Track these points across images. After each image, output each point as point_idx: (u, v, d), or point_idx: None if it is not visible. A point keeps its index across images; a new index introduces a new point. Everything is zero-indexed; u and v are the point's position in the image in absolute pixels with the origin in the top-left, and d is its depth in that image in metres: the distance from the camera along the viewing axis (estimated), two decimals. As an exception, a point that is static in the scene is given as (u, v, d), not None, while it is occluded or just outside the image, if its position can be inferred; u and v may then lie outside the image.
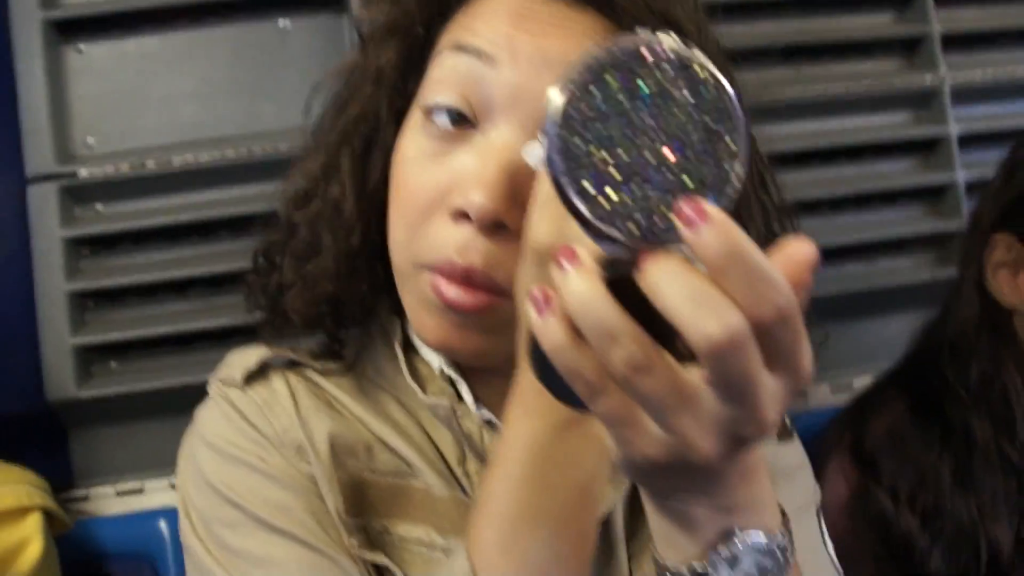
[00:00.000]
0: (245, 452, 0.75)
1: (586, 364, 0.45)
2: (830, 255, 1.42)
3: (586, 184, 0.44)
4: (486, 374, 0.77)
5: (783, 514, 0.55)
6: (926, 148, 1.49)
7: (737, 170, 0.45)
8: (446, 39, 0.74)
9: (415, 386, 0.78)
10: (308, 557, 0.70)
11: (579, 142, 0.44)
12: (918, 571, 1.10)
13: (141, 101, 1.35)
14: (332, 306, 0.79)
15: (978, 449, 1.10)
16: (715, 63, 0.71)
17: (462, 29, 0.72)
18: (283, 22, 1.37)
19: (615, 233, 0.44)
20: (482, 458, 0.76)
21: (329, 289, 0.78)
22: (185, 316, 1.33)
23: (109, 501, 1.31)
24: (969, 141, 1.48)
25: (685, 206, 0.41)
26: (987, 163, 1.45)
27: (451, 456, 0.77)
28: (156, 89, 1.35)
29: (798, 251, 0.43)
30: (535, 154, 0.64)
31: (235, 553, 0.72)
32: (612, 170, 0.44)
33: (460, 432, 0.76)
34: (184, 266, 1.33)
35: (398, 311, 0.81)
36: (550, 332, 0.45)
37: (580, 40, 0.69)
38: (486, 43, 0.70)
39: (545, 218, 0.58)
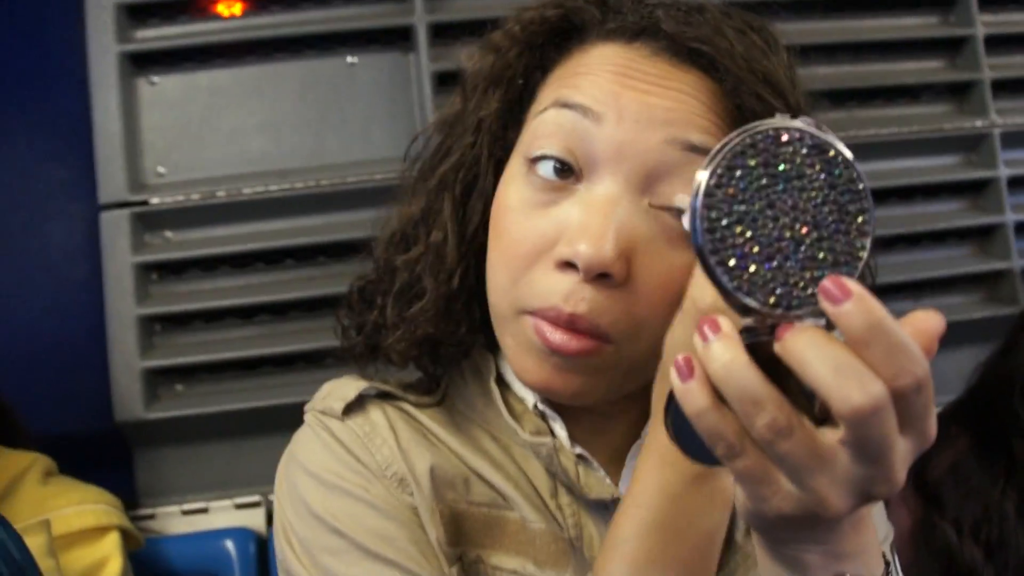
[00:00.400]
0: (348, 482, 0.77)
1: (727, 427, 0.48)
2: (881, 293, 1.44)
3: (729, 259, 0.48)
4: (577, 411, 0.79)
5: (886, 562, 0.58)
6: (976, 190, 1.53)
7: (866, 245, 0.48)
8: (549, 94, 0.76)
9: (515, 425, 0.80)
10: None
11: (724, 220, 0.48)
12: None
13: (211, 133, 1.40)
14: (431, 346, 0.81)
15: None
16: (806, 110, 0.74)
17: (566, 86, 0.74)
18: (351, 58, 1.41)
19: (754, 304, 0.48)
20: (574, 492, 0.79)
21: (429, 331, 0.80)
22: (250, 342, 1.37)
23: (174, 520, 1.34)
24: (1018, 183, 1.52)
25: (828, 283, 0.44)
26: (1036, 205, 1.48)
27: (543, 489, 0.79)
28: (225, 121, 1.40)
29: (928, 322, 0.47)
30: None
31: None
32: (753, 246, 0.48)
33: (558, 468, 0.78)
34: (250, 293, 1.37)
35: (490, 349, 0.84)
36: (693, 397, 0.49)
37: (684, 98, 0.71)
38: (592, 100, 0.71)
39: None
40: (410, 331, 0.80)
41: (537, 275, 0.72)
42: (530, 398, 0.81)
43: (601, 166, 0.71)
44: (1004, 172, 1.50)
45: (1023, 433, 1.15)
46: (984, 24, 1.52)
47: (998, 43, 1.54)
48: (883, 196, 1.49)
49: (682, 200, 0.67)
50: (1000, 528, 1.12)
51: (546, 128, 0.73)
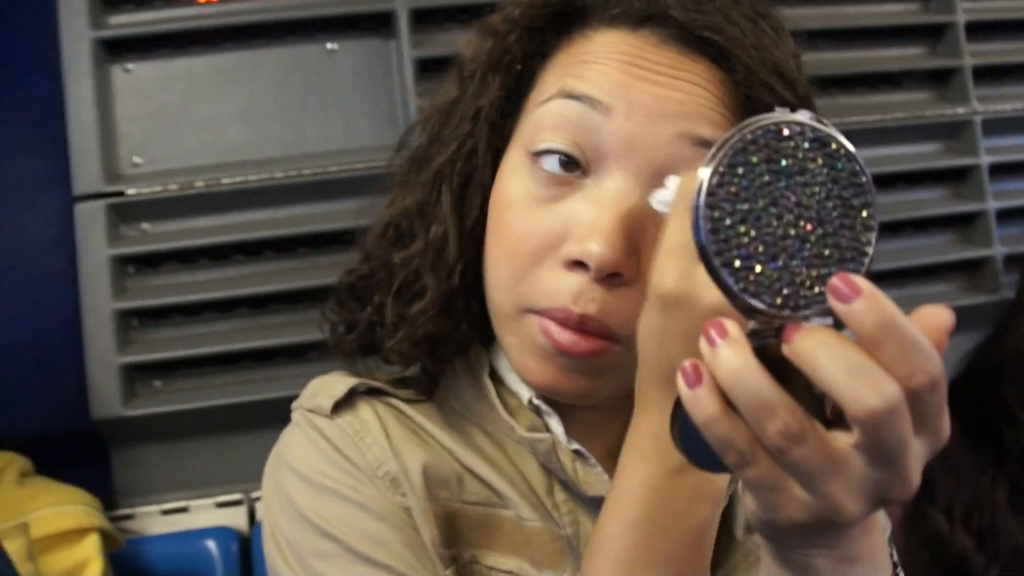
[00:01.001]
0: (338, 483, 0.74)
1: (738, 435, 0.46)
2: (865, 281, 1.45)
3: (734, 259, 0.46)
4: (573, 407, 0.77)
5: (893, 563, 0.57)
6: (958, 177, 1.53)
7: (872, 240, 0.47)
8: (552, 83, 0.73)
9: (511, 421, 0.78)
10: None
11: (727, 220, 0.47)
12: None
13: (188, 121, 1.36)
14: (431, 345, 0.78)
15: None
16: (811, 96, 0.73)
17: (571, 75, 0.72)
18: (331, 45, 1.38)
19: (760, 305, 0.46)
20: (571, 490, 0.77)
21: (431, 330, 0.77)
22: (230, 336, 1.34)
23: (154, 520, 1.31)
24: (999, 171, 1.52)
25: (837, 281, 0.43)
26: (1017, 192, 1.49)
27: (539, 486, 0.78)
28: (203, 109, 1.36)
29: (938, 317, 0.45)
30: (662, 200, 0.66)
31: None
32: (758, 245, 0.46)
33: (556, 465, 0.76)
34: (230, 286, 1.34)
35: (483, 343, 0.82)
36: (702, 404, 0.46)
37: (694, 89, 0.69)
38: (600, 92, 0.69)
39: (672, 266, 0.58)
40: (411, 331, 0.77)
41: (543, 273, 0.70)
42: (525, 393, 0.79)
43: (610, 160, 0.69)
44: (985, 159, 1.50)
45: (1012, 420, 1.16)
46: (965, 11, 1.51)
47: (979, 30, 1.54)
48: (866, 184, 1.49)
49: (669, 184, 0.66)
50: (991, 516, 1.13)
51: (551, 120, 0.71)
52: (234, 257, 1.35)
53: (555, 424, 0.78)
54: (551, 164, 0.70)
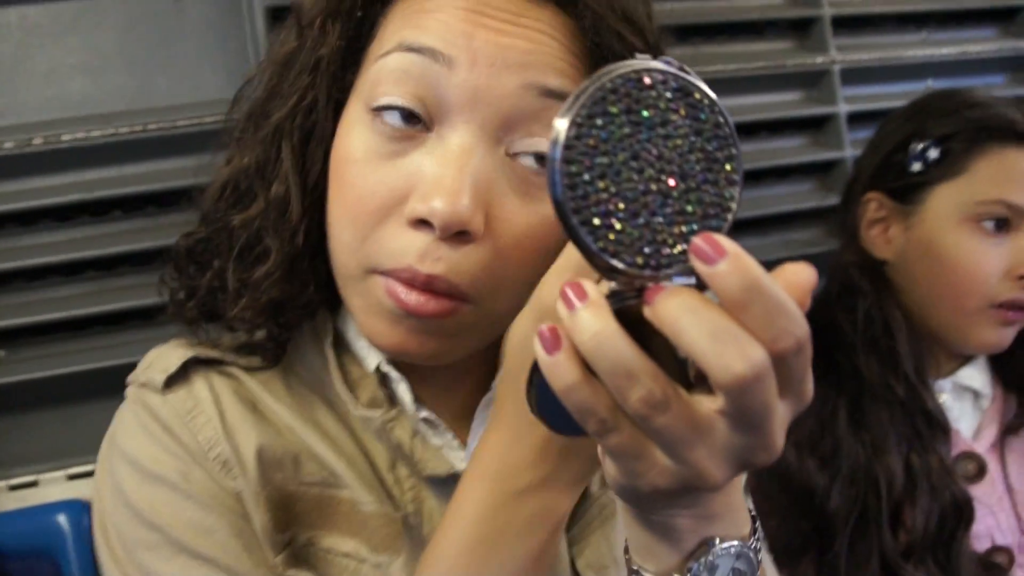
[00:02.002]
0: (167, 468, 0.71)
1: (598, 402, 0.44)
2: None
3: (592, 217, 0.44)
4: (425, 369, 0.75)
5: (752, 516, 0.57)
6: (817, 126, 1.56)
7: (736, 195, 0.45)
8: (392, 34, 0.69)
9: (349, 396, 0.75)
10: None
11: (585, 175, 0.44)
12: (819, 515, 1.17)
13: (24, 74, 1.28)
14: (276, 310, 0.75)
15: (867, 387, 1.19)
16: (662, 44, 0.71)
17: (410, 26, 0.68)
18: (178, -8, 1.32)
19: (621, 265, 0.44)
20: (412, 465, 0.75)
21: (275, 295, 0.73)
22: (77, 300, 1.27)
23: (2, 497, 1.25)
24: (857, 119, 1.55)
25: (700, 241, 0.41)
26: (875, 140, 1.52)
27: (381, 462, 0.76)
28: (41, 61, 1.28)
29: (800, 276, 0.43)
30: None
31: None
32: (618, 201, 0.44)
33: (393, 443, 0.74)
34: (75, 248, 1.27)
35: (330, 307, 0.79)
36: (561, 371, 0.44)
37: (540, 37, 0.66)
38: (441, 43, 0.66)
39: (559, 281, 0.54)
40: (255, 297, 0.73)
41: (388, 233, 0.67)
42: (372, 361, 0.76)
43: (454, 113, 0.66)
44: (844, 108, 1.54)
45: (843, 342, 1.22)
46: (824, -39, 1.54)
47: (838, -20, 1.56)
48: (728, 133, 1.50)
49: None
50: (834, 437, 1.18)
51: (391, 74, 0.67)
52: (79, 218, 1.28)
53: (403, 392, 0.76)
54: (392, 118, 0.67)
